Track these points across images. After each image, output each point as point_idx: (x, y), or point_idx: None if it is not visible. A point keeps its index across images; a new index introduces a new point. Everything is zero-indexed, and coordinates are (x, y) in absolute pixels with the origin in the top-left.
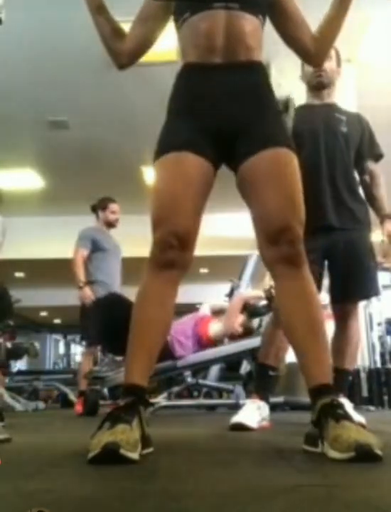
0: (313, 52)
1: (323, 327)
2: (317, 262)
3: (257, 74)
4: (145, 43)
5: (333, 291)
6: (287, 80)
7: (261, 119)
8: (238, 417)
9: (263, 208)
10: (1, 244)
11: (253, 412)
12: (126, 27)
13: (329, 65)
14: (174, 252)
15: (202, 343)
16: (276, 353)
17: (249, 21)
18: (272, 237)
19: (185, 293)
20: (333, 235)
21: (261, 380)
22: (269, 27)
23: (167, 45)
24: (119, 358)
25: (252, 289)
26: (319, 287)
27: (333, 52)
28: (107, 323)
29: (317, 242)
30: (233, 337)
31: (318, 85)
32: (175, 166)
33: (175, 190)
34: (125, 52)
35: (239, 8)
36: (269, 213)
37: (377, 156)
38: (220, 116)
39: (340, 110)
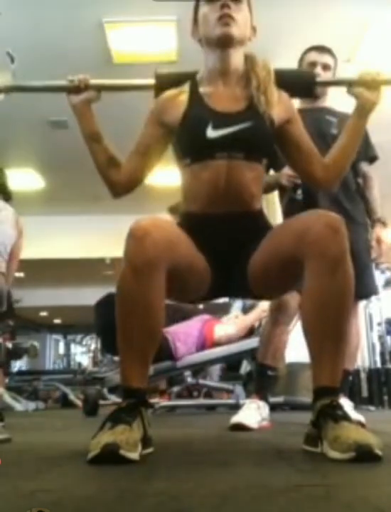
0: (324, 181)
1: (346, 333)
2: None
3: (257, 222)
4: (142, 175)
5: None
6: None
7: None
8: (238, 417)
9: (287, 234)
10: (13, 237)
11: (253, 412)
12: (127, 26)
13: (326, 75)
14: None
15: (206, 344)
16: (275, 353)
17: (251, 170)
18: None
19: None
20: None
21: (261, 380)
22: (266, 19)
23: (167, 46)
24: (116, 358)
25: None
26: None
27: (332, 62)
28: (102, 323)
29: None
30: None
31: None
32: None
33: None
34: (120, 184)
35: (243, 158)
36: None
37: (372, 158)
38: (221, 261)
39: (331, 112)
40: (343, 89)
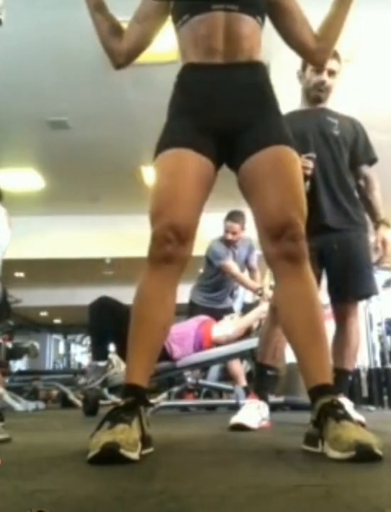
0: (315, 50)
1: (323, 327)
2: (314, 261)
3: (257, 73)
4: (142, 43)
5: (331, 291)
6: (285, 80)
7: (262, 118)
8: (238, 418)
9: (265, 204)
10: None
11: (253, 412)
12: (126, 26)
13: (331, 81)
14: (172, 246)
15: (204, 345)
16: (274, 353)
17: (247, 23)
18: (274, 233)
19: (183, 293)
20: (328, 235)
21: (260, 380)
22: (268, 27)
23: (167, 46)
24: (102, 364)
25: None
26: (318, 287)
27: (338, 67)
28: (95, 325)
29: (313, 243)
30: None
31: (315, 99)
32: (175, 161)
33: (174, 184)
34: (122, 51)
35: (238, 10)
36: (271, 209)
37: (372, 161)
38: (221, 116)
39: (332, 113)
40: (342, 90)
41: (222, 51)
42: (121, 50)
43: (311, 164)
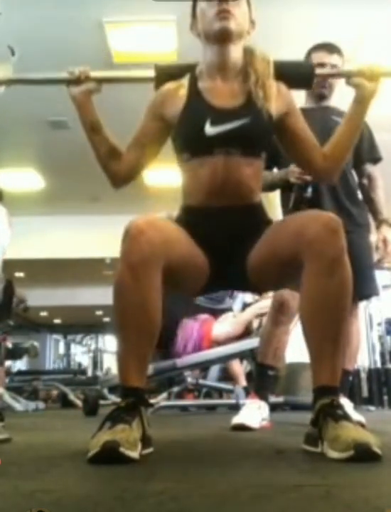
0: (324, 171)
1: (345, 333)
2: None
3: (256, 216)
4: (140, 167)
5: None
6: None
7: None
8: (239, 418)
9: (285, 234)
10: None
11: (254, 412)
12: (127, 26)
13: (334, 80)
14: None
15: (203, 345)
16: (275, 353)
17: (249, 165)
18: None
19: None
20: None
21: (261, 380)
22: (266, 19)
23: (167, 46)
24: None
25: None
26: None
27: (340, 62)
28: None
29: None
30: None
31: (319, 96)
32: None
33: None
34: (120, 174)
35: (241, 154)
36: (289, 241)
37: (376, 160)
38: (220, 255)
39: (336, 112)
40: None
41: (221, 194)
42: (120, 172)
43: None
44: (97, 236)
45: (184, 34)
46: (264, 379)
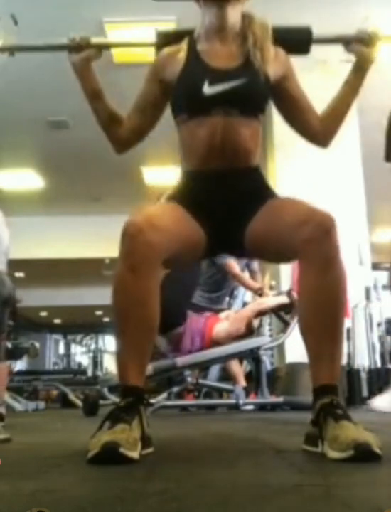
0: (321, 136)
1: (342, 331)
2: None
3: (254, 180)
4: (141, 133)
5: None
6: None
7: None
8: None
9: (282, 225)
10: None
11: None
12: (127, 26)
13: None
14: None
15: (205, 342)
16: None
17: (248, 126)
18: (301, 228)
19: None
20: None
21: None
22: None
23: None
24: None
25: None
26: None
27: None
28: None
29: None
30: (235, 337)
31: None
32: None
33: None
34: (122, 140)
35: (239, 114)
36: (292, 223)
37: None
38: (219, 223)
39: None
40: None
41: (221, 156)
42: (122, 137)
43: None
44: (97, 236)
45: None
46: None
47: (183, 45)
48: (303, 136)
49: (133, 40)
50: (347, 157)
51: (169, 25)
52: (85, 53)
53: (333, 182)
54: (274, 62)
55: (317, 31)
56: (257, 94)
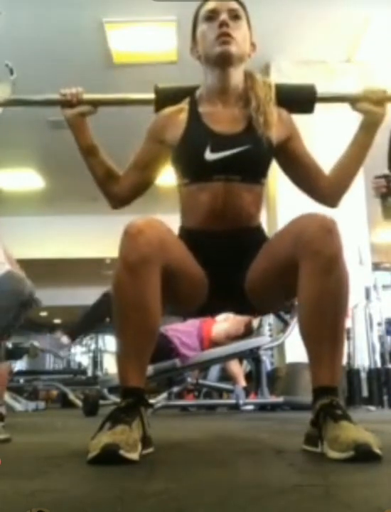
0: (329, 197)
1: (343, 332)
2: None
3: (255, 237)
4: (139, 190)
5: None
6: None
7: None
8: None
9: (282, 245)
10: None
11: None
12: (127, 26)
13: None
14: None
15: (204, 344)
16: None
17: (250, 191)
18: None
19: None
20: None
21: None
22: (266, 19)
23: (167, 46)
24: None
25: None
26: None
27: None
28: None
29: None
30: (234, 337)
31: None
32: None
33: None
34: (119, 197)
35: (240, 180)
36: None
37: None
38: (218, 273)
39: None
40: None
41: (222, 219)
42: (118, 195)
43: (382, 182)
44: (97, 236)
45: (184, 34)
46: None
47: (184, 106)
48: (312, 197)
49: (129, 96)
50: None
51: (169, 25)
52: (78, 109)
53: None
54: (277, 124)
55: (321, 90)
56: (260, 161)
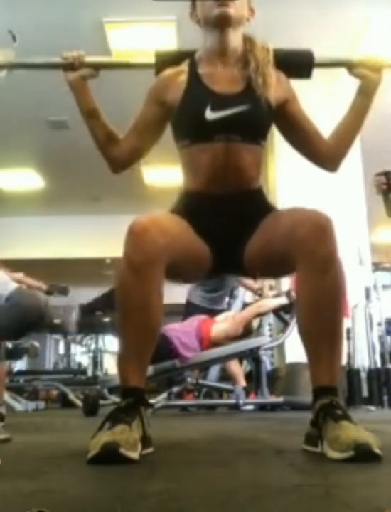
0: (329, 161)
1: (341, 332)
2: None
3: (255, 202)
4: (140, 154)
5: None
6: None
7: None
8: None
9: (279, 233)
10: None
11: None
12: (127, 26)
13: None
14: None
15: (204, 345)
16: None
17: (250, 151)
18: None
19: (180, 293)
20: None
21: None
22: (266, 18)
23: (167, 46)
24: None
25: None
26: None
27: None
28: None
29: None
30: (233, 337)
31: None
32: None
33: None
34: (119, 160)
35: (241, 140)
36: (287, 230)
37: None
38: (219, 244)
39: None
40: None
41: (223, 182)
42: (119, 157)
43: (382, 179)
44: (97, 236)
45: (184, 34)
46: None
47: (184, 68)
48: (312, 161)
49: (130, 60)
50: (347, 157)
51: (169, 25)
52: (80, 72)
53: (333, 182)
54: (275, 86)
55: (318, 54)
56: (259, 121)
